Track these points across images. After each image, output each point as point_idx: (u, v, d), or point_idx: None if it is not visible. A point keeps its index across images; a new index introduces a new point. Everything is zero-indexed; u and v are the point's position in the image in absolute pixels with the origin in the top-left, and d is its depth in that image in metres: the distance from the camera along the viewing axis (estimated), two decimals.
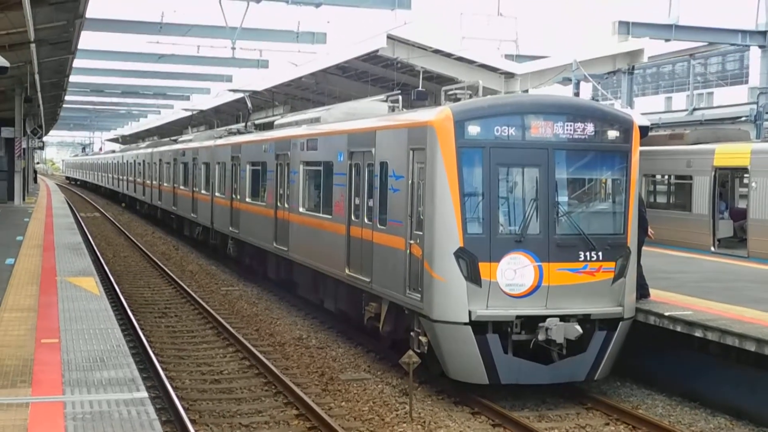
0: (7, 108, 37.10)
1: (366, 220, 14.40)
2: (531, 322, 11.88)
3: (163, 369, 13.16)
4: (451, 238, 11.76)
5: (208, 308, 18.51)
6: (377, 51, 28.22)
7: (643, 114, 31.59)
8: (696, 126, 32.67)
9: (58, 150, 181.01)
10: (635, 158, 12.60)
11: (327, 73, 34.20)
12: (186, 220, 32.49)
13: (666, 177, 25.20)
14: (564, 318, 11.85)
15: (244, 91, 34.97)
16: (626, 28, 29.70)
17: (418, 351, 12.29)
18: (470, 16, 40.11)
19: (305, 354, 15.04)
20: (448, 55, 28.89)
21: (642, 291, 13.37)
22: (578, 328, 11.81)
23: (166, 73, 54.04)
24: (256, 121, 33.49)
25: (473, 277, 11.71)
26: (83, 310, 12.35)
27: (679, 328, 12.25)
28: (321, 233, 16.61)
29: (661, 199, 25.61)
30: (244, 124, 30.94)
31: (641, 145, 13.05)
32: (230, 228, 24.38)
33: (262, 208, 21.17)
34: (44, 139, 72.68)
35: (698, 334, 11.92)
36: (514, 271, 11.85)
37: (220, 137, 28.09)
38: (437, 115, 12.16)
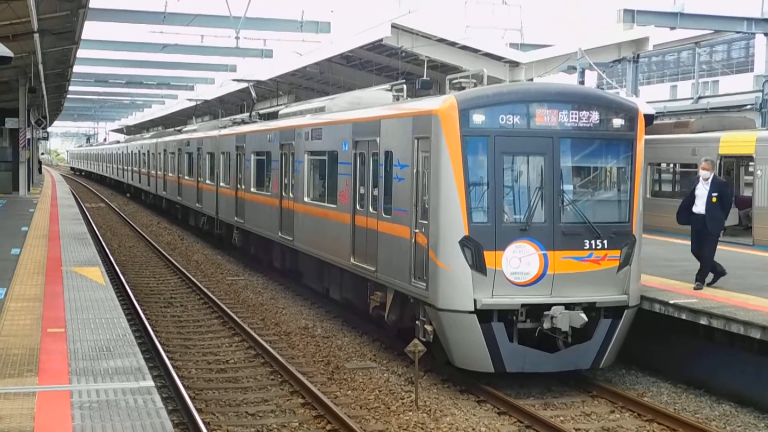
0: (11, 99, 37.10)
1: (371, 209, 14.40)
2: (536, 311, 11.89)
3: (169, 358, 13.18)
4: (456, 226, 11.76)
5: (214, 298, 18.54)
6: (381, 40, 28.11)
7: (648, 102, 31.51)
8: (701, 114, 32.63)
9: (63, 141, 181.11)
10: (640, 146, 12.59)
11: (331, 62, 34.09)
12: (191, 210, 32.53)
13: (671, 165, 25.16)
14: (569, 306, 11.86)
15: (248, 81, 34.91)
16: (631, 16, 29.57)
17: (424, 339, 12.31)
18: (475, 4, 39.90)
19: (311, 343, 15.07)
20: (453, 44, 28.78)
21: (719, 268, 13.87)
22: (583, 316, 11.82)
23: (170, 63, 53.97)
24: (261, 111, 33.38)
25: (478, 265, 11.71)
26: (89, 300, 12.39)
27: (684, 316, 12.26)
28: (326, 222, 16.62)
29: (667, 188, 25.57)
30: (248, 113, 30.91)
31: (646, 133, 13.04)
32: (235, 218, 24.39)
33: (267, 197, 21.18)
34: (48, 129, 72.83)
35: (703, 321, 11.93)
36: (519, 260, 11.85)
37: (225, 127, 28.09)
38: (442, 104, 12.14)
